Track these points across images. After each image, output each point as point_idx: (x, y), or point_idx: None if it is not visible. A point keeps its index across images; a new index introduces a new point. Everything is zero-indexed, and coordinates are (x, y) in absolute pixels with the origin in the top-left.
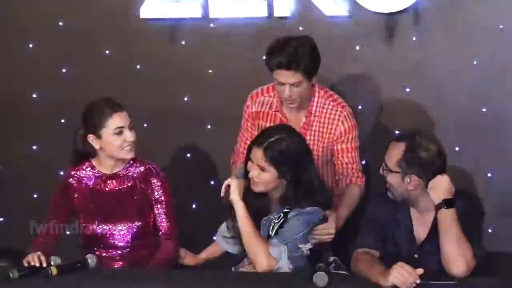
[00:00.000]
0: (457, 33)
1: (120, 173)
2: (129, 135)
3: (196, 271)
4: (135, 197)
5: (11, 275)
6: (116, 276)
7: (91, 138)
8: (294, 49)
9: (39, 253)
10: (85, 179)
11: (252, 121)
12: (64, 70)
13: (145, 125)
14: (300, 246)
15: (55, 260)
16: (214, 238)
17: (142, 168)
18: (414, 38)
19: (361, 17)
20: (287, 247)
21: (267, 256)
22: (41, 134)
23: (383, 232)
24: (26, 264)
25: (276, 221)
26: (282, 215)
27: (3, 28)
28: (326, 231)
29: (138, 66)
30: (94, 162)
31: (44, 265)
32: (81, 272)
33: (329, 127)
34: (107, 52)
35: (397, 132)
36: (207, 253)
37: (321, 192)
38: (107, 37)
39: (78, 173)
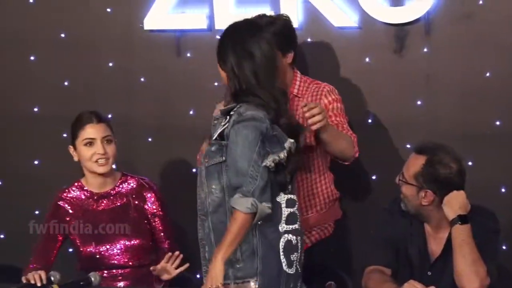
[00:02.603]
0: (469, 45)
1: (112, 191)
2: (100, 148)
3: None
4: (130, 214)
5: None
6: None
7: (71, 149)
8: (266, 22)
9: (39, 271)
10: (76, 200)
11: None
12: (66, 83)
13: (149, 139)
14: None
15: (55, 275)
16: None
17: (134, 184)
18: (425, 50)
19: (371, 28)
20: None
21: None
22: (43, 149)
23: (395, 249)
24: (24, 281)
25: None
26: (228, 118)
27: (4, 40)
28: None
29: (142, 79)
30: (83, 181)
31: (44, 282)
32: None
33: (312, 101)
34: (111, 64)
35: (417, 144)
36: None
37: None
38: (111, 49)
39: (69, 195)
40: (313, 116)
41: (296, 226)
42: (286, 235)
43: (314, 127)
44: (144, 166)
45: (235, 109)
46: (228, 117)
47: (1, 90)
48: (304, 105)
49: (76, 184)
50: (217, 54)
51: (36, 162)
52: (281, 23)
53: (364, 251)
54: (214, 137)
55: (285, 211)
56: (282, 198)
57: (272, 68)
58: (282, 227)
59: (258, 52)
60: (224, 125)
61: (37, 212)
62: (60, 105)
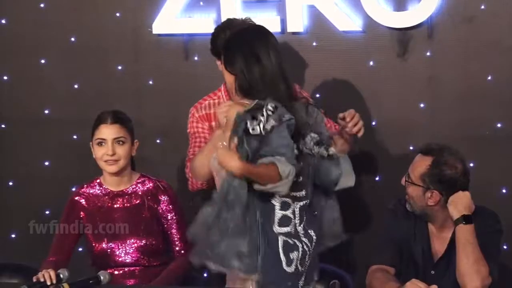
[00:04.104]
0: (471, 48)
1: (127, 190)
2: (110, 149)
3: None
4: (143, 215)
5: None
6: None
7: (91, 145)
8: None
9: (49, 269)
10: (93, 196)
11: (203, 123)
12: (76, 86)
13: (158, 140)
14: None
15: (63, 273)
16: None
17: (150, 186)
18: (428, 53)
19: (375, 32)
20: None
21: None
22: (53, 150)
23: (399, 248)
24: (35, 280)
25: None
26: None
27: (16, 44)
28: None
29: (150, 82)
30: (101, 179)
31: (54, 281)
32: None
33: None
34: (120, 67)
35: (422, 145)
36: None
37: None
38: (120, 53)
39: (86, 190)
40: (356, 123)
41: (289, 229)
42: (280, 236)
43: (360, 134)
44: (152, 167)
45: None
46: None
47: (13, 92)
48: (343, 117)
49: (95, 181)
50: (224, 57)
51: (46, 163)
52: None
53: (368, 250)
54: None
55: (278, 214)
56: (277, 200)
57: (278, 72)
58: (276, 228)
59: (266, 57)
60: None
61: (47, 212)
62: (70, 107)
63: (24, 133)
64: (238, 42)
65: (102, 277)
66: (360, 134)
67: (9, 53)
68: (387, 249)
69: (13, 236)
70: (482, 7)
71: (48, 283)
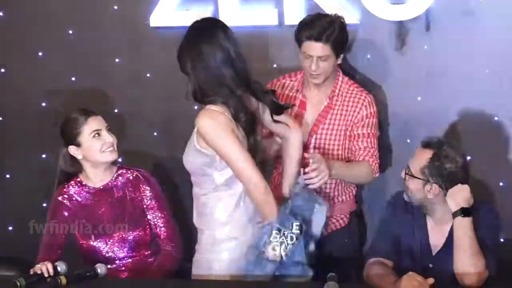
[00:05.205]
0: (469, 41)
1: (109, 185)
2: (107, 136)
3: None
4: (127, 207)
5: (18, 283)
6: (127, 285)
7: (72, 149)
8: (326, 23)
9: (46, 262)
10: (75, 195)
11: None
12: (73, 79)
13: (155, 133)
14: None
15: (61, 266)
16: None
17: (130, 176)
18: (425, 47)
19: (372, 25)
20: None
21: None
22: (50, 143)
23: (397, 241)
24: (32, 273)
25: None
26: None
27: (12, 36)
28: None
29: (148, 74)
30: (81, 177)
31: (52, 273)
32: (91, 281)
33: (352, 109)
34: (117, 60)
35: (424, 138)
36: None
37: None
38: (117, 46)
39: (68, 190)
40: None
41: None
42: None
43: (315, 186)
44: (149, 160)
45: None
46: None
47: (10, 85)
48: (311, 157)
49: (75, 180)
50: (177, 56)
51: (44, 156)
52: (338, 27)
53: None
54: None
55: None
56: None
57: (224, 70)
58: None
59: (210, 56)
60: None
61: (44, 205)
62: (67, 100)
63: (21, 125)
64: (185, 41)
65: (99, 270)
66: (314, 186)
67: (7, 46)
68: (385, 242)
69: (10, 228)
70: None
71: (46, 275)
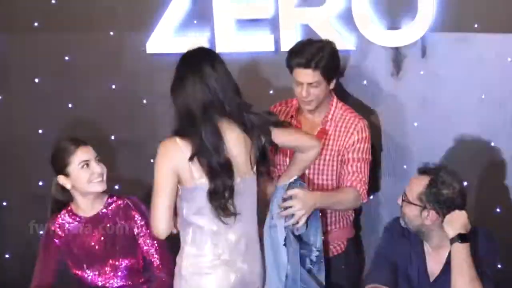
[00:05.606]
0: (465, 67)
1: (99, 214)
2: (96, 167)
3: None
4: (118, 235)
5: None
6: None
7: (61, 178)
8: (315, 50)
9: None
10: (66, 225)
11: None
12: (70, 105)
13: (151, 160)
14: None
15: None
16: None
17: (121, 204)
18: (421, 72)
19: (368, 51)
20: None
21: None
22: (47, 170)
23: (394, 267)
24: None
25: None
26: None
27: (10, 63)
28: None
29: (144, 101)
30: (72, 206)
31: None
32: None
33: (344, 134)
34: (114, 86)
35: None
36: None
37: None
38: (114, 72)
39: (59, 219)
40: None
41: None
42: None
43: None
44: (145, 187)
45: None
46: None
47: (6, 112)
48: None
49: (66, 209)
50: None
51: (40, 183)
52: (328, 53)
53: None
54: None
55: None
56: None
57: (197, 106)
58: None
59: (191, 89)
60: None
61: (41, 232)
62: (64, 127)
63: (18, 153)
64: (176, 69)
65: None
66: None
67: (4, 72)
68: (383, 268)
69: (7, 256)
70: (476, 25)
71: None
